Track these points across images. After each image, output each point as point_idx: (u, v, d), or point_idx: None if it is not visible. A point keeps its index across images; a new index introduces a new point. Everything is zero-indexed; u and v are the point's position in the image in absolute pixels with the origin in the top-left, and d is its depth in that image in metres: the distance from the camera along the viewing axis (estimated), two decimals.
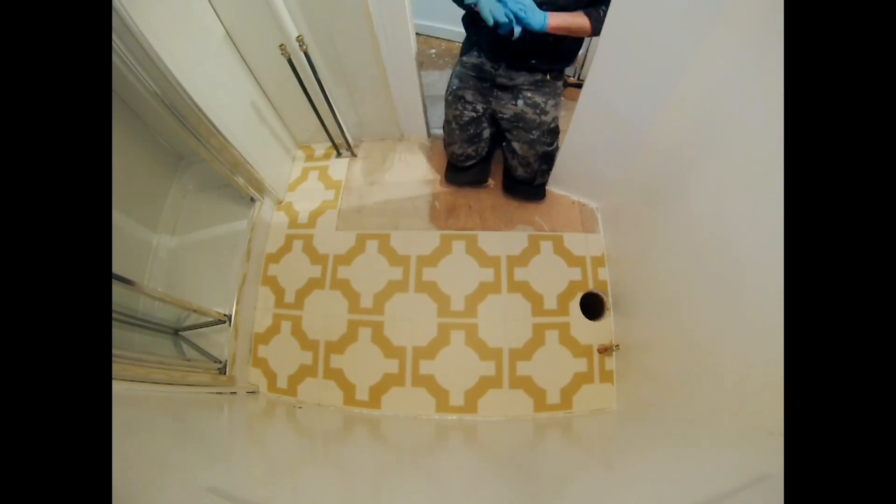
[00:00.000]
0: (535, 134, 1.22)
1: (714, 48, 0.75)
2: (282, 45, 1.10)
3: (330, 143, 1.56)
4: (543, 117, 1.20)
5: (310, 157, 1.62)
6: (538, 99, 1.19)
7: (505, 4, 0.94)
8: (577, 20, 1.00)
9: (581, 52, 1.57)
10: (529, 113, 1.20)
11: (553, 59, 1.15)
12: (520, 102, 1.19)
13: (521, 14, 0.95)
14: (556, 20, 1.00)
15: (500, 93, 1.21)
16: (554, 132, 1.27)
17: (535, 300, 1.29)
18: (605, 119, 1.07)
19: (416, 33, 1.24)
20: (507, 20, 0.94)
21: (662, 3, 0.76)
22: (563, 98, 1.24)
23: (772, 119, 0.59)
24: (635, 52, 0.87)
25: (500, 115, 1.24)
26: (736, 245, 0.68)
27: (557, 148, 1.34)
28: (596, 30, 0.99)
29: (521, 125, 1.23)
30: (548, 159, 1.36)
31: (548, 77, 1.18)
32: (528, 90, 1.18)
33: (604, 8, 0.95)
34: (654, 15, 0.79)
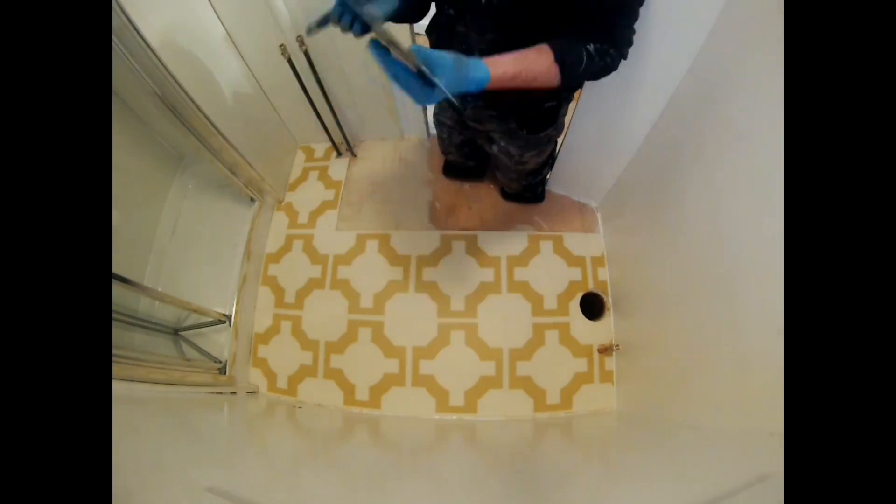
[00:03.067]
0: (514, 176, 1.15)
1: (714, 48, 0.75)
2: (282, 45, 1.10)
3: (330, 143, 1.55)
4: (521, 167, 1.07)
5: (310, 157, 1.62)
6: (512, 150, 0.99)
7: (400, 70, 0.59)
8: (531, 62, 0.62)
9: None
10: (504, 160, 1.04)
11: (521, 117, 0.86)
12: (494, 148, 1.01)
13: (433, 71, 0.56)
14: (500, 69, 0.60)
15: (475, 131, 1.01)
16: (537, 172, 1.19)
17: (535, 300, 1.29)
18: (606, 119, 1.07)
19: (417, 33, 1.24)
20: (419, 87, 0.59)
21: (663, 2, 0.76)
22: (553, 144, 1.04)
23: (772, 119, 0.59)
24: (635, 51, 0.87)
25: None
26: (736, 244, 0.68)
27: (549, 171, 1.31)
28: (564, 71, 0.63)
29: (499, 164, 1.11)
30: (535, 187, 1.33)
31: (523, 131, 0.91)
32: (500, 139, 0.97)
33: (588, 48, 0.63)
34: (655, 14, 0.79)
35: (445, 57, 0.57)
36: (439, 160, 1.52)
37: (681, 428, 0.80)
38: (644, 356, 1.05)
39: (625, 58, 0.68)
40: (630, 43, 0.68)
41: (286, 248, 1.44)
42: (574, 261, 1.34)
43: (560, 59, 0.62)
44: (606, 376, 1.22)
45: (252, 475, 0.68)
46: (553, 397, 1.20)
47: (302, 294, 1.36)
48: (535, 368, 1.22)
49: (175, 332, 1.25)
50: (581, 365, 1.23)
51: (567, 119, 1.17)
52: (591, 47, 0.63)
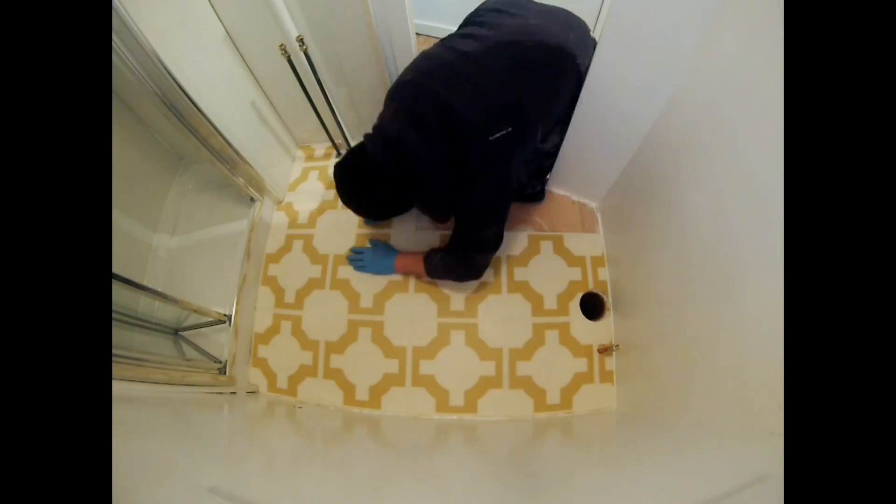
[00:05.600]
0: (531, 156, 1.15)
1: (714, 48, 0.75)
2: (282, 45, 1.10)
3: (330, 143, 1.55)
4: (540, 144, 1.13)
5: (310, 157, 1.62)
6: None
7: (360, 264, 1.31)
8: (419, 269, 1.19)
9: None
10: None
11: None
12: None
13: (363, 269, 1.30)
14: (401, 263, 1.27)
15: None
16: (550, 155, 1.22)
17: (535, 300, 1.29)
18: (605, 119, 1.07)
19: (416, 33, 1.24)
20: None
21: (663, 2, 0.76)
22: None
23: (772, 119, 0.59)
24: (635, 51, 0.87)
25: None
26: (736, 244, 0.68)
27: (552, 165, 1.32)
28: (431, 275, 1.19)
29: None
30: (535, 184, 1.35)
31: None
32: None
33: (446, 256, 1.11)
34: (655, 13, 0.79)
35: (378, 247, 1.33)
36: None
37: (681, 428, 0.80)
38: (644, 356, 1.05)
39: (464, 273, 1.16)
40: (469, 264, 1.11)
41: (286, 248, 1.44)
42: (574, 261, 1.34)
43: (428, 270, 1.18)
44: (606, 376, 1.22)
45: (252, 475, 0.68)
46: (553, 397, 1.20)
47: (302, 294, 1.36)
48: (535, 368, 1.22)
49: (175, 332, 1.26)
50: (581, 365, 1.23)
51: None
52: (452, 260, 1.11)
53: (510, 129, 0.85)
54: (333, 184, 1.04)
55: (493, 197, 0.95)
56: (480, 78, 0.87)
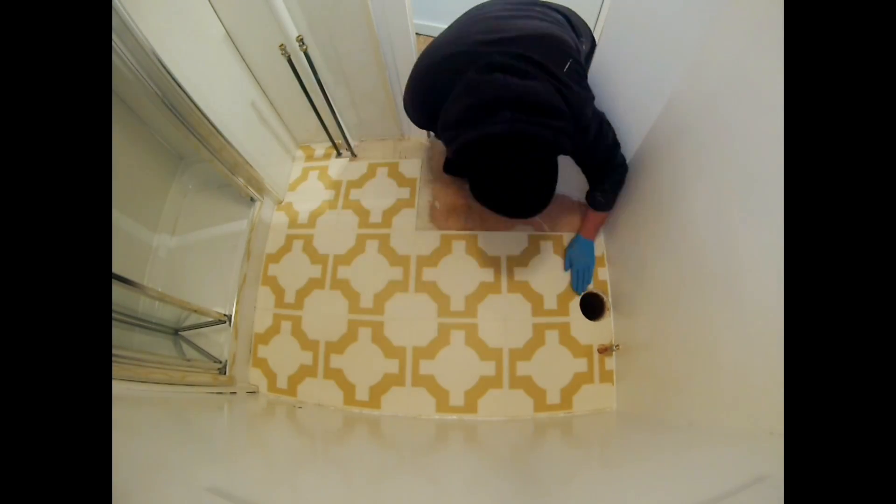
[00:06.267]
0: None
1: (714, 46, 0.75)
2: (282, 45, 1.10)
3: (330, 143, 1.56)
4: None
5: (310, 157, 1.62)
6: None
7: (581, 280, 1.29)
8: (599, 219, 1.23)
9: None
10: None
11: None
12: None
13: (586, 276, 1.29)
14: (593, 233, 1.28)
15: None
16: None
17: (535, 300, 1.29)
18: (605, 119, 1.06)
19: (416, 33, 1.24)
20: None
21: (663, 1, 0.76)
22: None
23: (772, 117, 0.59)
24: (635, 50, 0.87)
25: None
26: (736, 244, 0.68)
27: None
28: (608, 210, 1.18)
29: None
30: None
31: None
32: None
33: (606, 188, 1.11)
34: (655, 13, 0.79)
35: (571, 254, 1.32)
36: (439, 160, 1.52)
37: (681, 428, 0.80)
38: (644, 356, 1.05)
39: (622, 179, 1.11)
40: (619, 168, 1.08)
41: (286, 248, 1.44)
42: None
43: (606, 208, 1.18)
44: (606, 376, 1.22)
45: (252, 475, 0.68)
46: (553, 397, 1.20)
47: (302, 294, 1.36)
48: (535, 368, 1.22)
49: (175, 332, 1.26)
50: (581, 365, 1.23)
51: None
52: (606, 185, 1.12)
53: (571, 60, 0.82)
54: (341, 185, 1.01)
55: (601, 125, 0.94)
56: (512, 26, 0.84)
